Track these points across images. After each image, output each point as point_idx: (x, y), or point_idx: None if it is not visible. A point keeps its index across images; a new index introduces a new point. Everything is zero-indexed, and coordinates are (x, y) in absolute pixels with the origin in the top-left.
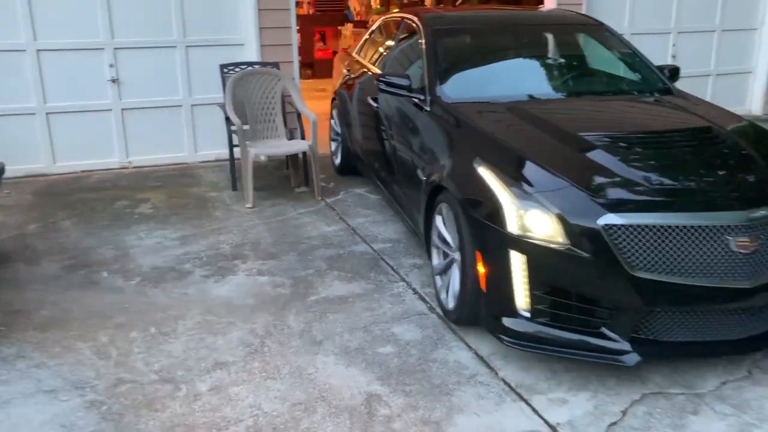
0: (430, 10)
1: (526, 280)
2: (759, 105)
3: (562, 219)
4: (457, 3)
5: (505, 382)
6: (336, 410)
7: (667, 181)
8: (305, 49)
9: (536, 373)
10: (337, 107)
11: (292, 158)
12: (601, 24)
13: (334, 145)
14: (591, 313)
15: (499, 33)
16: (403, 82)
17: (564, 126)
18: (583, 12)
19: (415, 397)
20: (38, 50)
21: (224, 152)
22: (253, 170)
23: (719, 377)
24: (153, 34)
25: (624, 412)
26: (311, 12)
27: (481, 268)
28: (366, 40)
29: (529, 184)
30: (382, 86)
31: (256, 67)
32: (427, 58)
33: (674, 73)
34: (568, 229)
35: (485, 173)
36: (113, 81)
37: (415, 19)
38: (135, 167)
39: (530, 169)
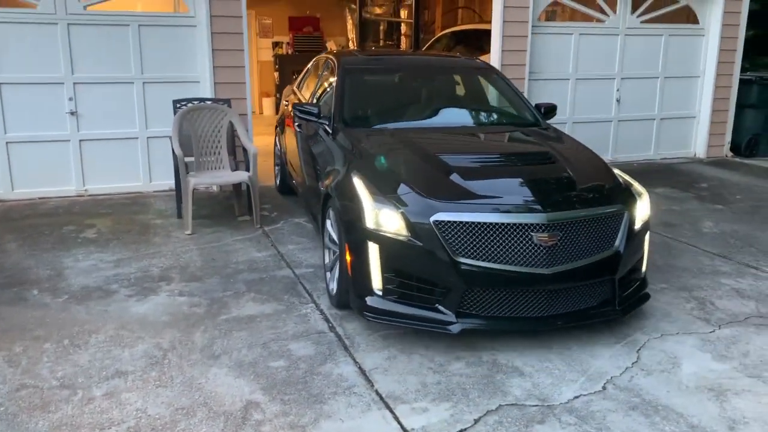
0: (351, 52)
1: (379, 265)
2: (703, 149)
3: (405, 217)
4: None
5: (378, 393)
6: (214, 415)
7: (492, 189)
8: (283, 87)
9: (408, 386)
10: (278, 134)
11: (235, 188)
12: (492, 68)
13: (276, 169)
14: (428, 292)
15: (402, 72)
16: (313, 110)
17: (428, 149)
18: (527, 57)
19: (290, 405)
20: (0, 83)
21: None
22: (204, 199)
23: (575, 391)
24: (112, 70)
25: (476, 420)
26: (290, 52)
27: (348, 257)
28: (303, 75)
29: (386, 190)
30: (297, 113)
31: (207, 102)
32: (335, 91)
33: (550, 110)
34: (410, 224)
35: (357, 183)
36: (72, 113)
37: (334, 58)
38: (90, 195)
39: (389, 179)
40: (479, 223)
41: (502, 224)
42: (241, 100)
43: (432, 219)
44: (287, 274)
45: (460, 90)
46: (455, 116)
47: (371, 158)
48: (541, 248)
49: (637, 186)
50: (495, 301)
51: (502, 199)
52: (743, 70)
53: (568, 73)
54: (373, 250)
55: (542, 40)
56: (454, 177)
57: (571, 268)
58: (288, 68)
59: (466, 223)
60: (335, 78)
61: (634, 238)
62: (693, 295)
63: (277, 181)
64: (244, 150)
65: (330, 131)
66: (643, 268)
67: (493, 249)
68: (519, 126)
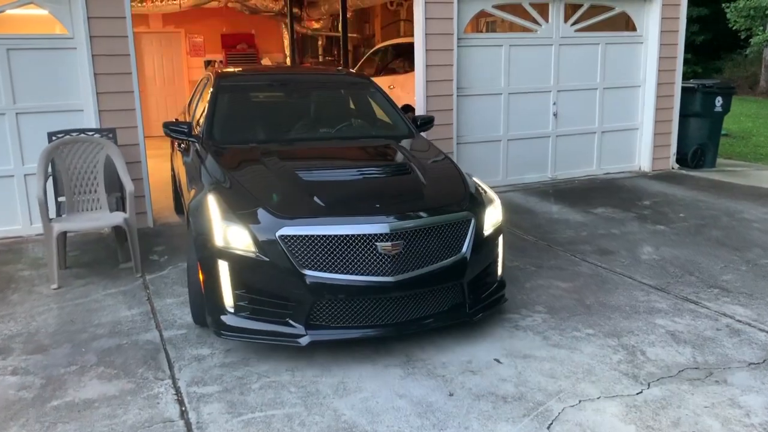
0: (229, 71)
1: (230, 282)
2: (647, 162)
3: (253, 233)
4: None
5: None
6: None
7: (340, 202)
8: None
9: None
10: (172, 155)
11: (117, 231)
12: (368, 82)
13: (172, 186)
14: (279, 306)
15: (277, 89)
16: (183, 128)
17: (288, 164)
18: (454, 72)
19: None
20: None
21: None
22: (92, 242)
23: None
24: None
25: None
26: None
27: (201, 276)
28: (193, 94)
29: (238, 207)
30: (166, 131)
31: (83, 134)
32: (207, 108)
33: (427, 121)
34: (258, 240)
35: (210, 201)
36: None
37: (213, 76)
38: None
39: (243, 197)
40: (324, 235)
41: (346, 236)
42: (130, 129)
43: (278, 234)
44: (153, 338)
45: (335, 104)
46: (325, 131)
47: (230, 175)
48: (386, 257)
49: (489, 194)
50: (343, 311)
51: (348, 211)
52: (695, 75)
53: (500, 88)
54: (223, 267)
55: (470, 54)
56: (306, 191)
57: (416, 275)
58: None
59: (311, 236)
60: (209, 95)
61: (483, 243)
62: (622, 343)
63: (174, 204)
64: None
65: (198, 149)
66: (499, 272)
67: (338, 260)
68: (389, 138)
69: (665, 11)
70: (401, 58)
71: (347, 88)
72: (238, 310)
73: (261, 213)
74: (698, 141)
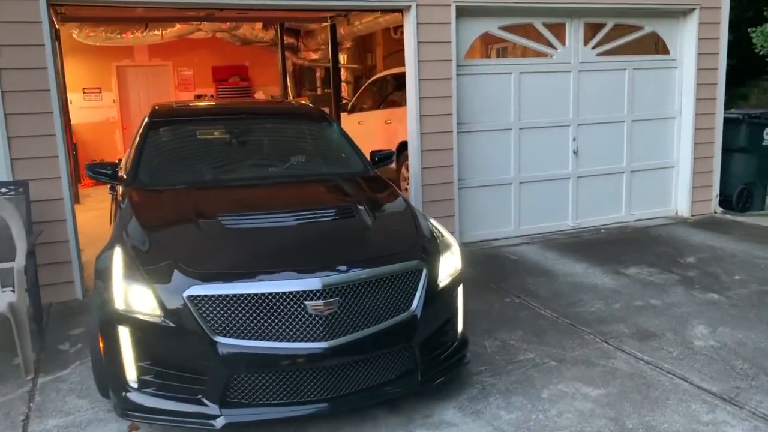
0: (168, 104)
1: (132, 352)
2: (686, 205)
3: (157, 293)
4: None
5: None
6: None
7: (266, 254)
8: None
9: None
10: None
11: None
12: (322, 115)
13: None
14: (190, 381)
15: (218, 124)
16: (107, 170)
17: (214, 210)
18: (454, 105)
19: None
20: None
21: None
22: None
23: None
24: None
25: None
26: None
27: (101, 343)
28: (136, 131)
29: (144, 262)
30: (89, 173)
31: None
32: (135, 146)
33: (385, 157)
34: (163, 302)
35: (115, 255)
36: None
37: (148, 111)
38: None
39: (153, 250)
40: (241, 295)
41: (269, 294)
42: (50, 181)
43: (185, 294)
44: None
45: (282, 141)
46: (267, 170)
47: (145, 225)
48: (318, 319)
49: (447, 238)
50: (267, 385)
51: (273, 265)
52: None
53: (509, 122)
54: (124, 335)
55: (473, 83)
56: (228, 242)
57: (355, 338)
58: None
59: (226, 296)
60: (140, 132)
61: (438, 296)
62: None
63: None
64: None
65: (122, 193)
66: (459, 328)
67: (259, 324)
68: (341, 177)
69: (703, 31)
70: (402, 90)
71: (298, 122)
72: (143, 385)
73: (169, 269)
74: (744, 180)
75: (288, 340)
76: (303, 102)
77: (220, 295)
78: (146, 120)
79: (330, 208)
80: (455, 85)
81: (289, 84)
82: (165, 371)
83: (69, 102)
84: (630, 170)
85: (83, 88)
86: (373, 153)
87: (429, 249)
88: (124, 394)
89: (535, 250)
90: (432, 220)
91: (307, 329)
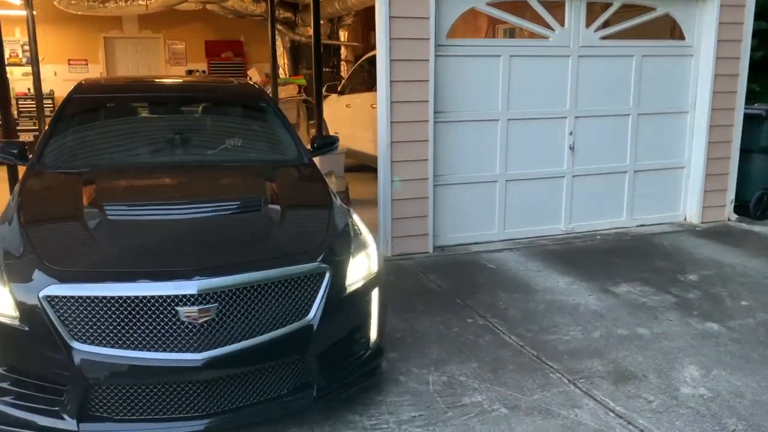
0: (94, 80)
1: None
2: (696, 211)
3: (13, 292)
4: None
5: None
6: None
7: (141, 251)
8: None
9: None
10: None
11: None
12: (259, 94)
13: None
14: (49, 391)
15: (141, 103)
16: (14, 149)
17: (99, 196)
18: (430, 90)
19: None
20: None
21: None
22: None
23: None
24: None
25: None
26: None
27: None
28: None
29: (7, 256)
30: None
31: None
32: (48, 125)
33: (327, 143)
34: (19, 302)
35: None
36: None
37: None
38: None
39: (19, 240)
40: (105, 297)
41: (136, 298)
42: None
43: (41, 294)
44: None
45: (209, 123)
46: (183, 155)
47: (22, 213)
48: (191, 327)
49: (364, 236)
50: (134, 399)
51: (145, 264)
52: (752, 93)
53: (497, 112)
54: None
55: (454, 66)
56: (104, 235)
57: (235, 350)
58: None
59: (87, 298)
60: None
61: (345, 303)
62: None
63: None
64: None
65: (30, 172)
66: (372, 337)
67: (124, 331)
68: (269, 164)
69: (724, 14)
70: None
71: (232, 103)
72: (1, 393)
73: (30, 266)
74: (764, 184)
75: (157, 350)
76: (244, 81)
77: (79, 297)
78: (66, 96)
79: (235, 200)
80: (433, 67)
81: (285, 62)
82: (21, 379)
83: (40, 74)
84: (634, 170)
85: (68, 60)
86: (314, 138)
87: (337, 249)
88: None
89: (517, 258)
90: (355, 216)
91: (179, 339)
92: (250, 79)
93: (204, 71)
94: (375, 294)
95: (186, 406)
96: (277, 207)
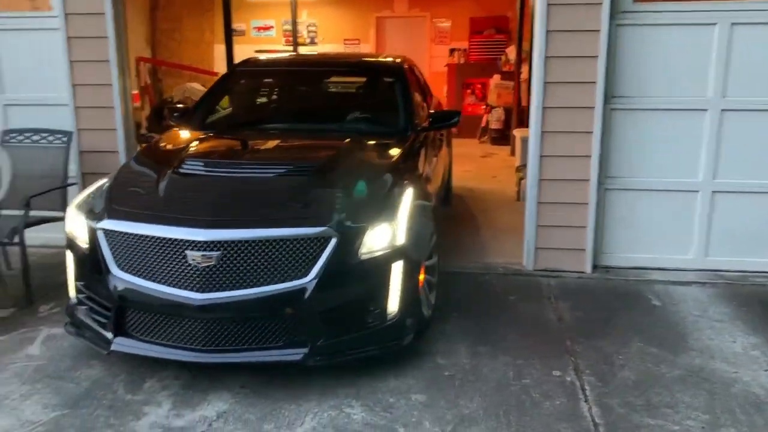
0: (254, 58)
1: (73, 273)
2: None
3: (88, 224)
4: None
5: None
6: None
7: (184, 201)
8: (453, 105)
9: None
10: None
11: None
12: (397, 69)
13: None
14: (102, 306)
15: (291, 78)
16: (176, 112)
17: (195, 153)
18: (599, 69)
19: None
20: None
21: None
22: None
23: None
24: None
25: None
26: (462, 61)
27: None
28: None
29: (97, 193)
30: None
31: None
32: (207, 93)
33: (443, 117)
34: (89, 232)
35: (94, 186)
36: None
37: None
38: None
39: (121, 186)
40: (137, 235)
41: (157, 238)
42: (105, 133)
43: (98, 225)
44: None
45: (342, 95)
46: (294, 122)
47: (138, 160)
48: (195, 269)
49: (398, 212)
50: (151, 323)
51: (175, 212)
52: None
53: (704, 100)
54: (69, 257)
55: (643, 38)
56: (164, 185)
57: (231, 296)
58: (460, 81)
59: (126, 234)
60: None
61: (351, 270)
62: None
63: None
64: None
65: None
66: (390, 309)
67: (147, 265)
68: (373, 135)
69: None
70: None
71: (366, 77)
72: (79, 303)
73: (102, 203)
74: None
75: (166, 284)
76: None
77: (120, 232)
78: (229, 69)
79: (290, 164)
80: (605, 40)
81: None
82: (87, 293)
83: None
84: None
85: (344, 40)
86: (431, 113)
87: (354, 218)
88: (68, 305)
89: (702, 298)
90: (408, 194)
91: (184, 278)
92: (507, 57)
93: (465, 50)
94: (398, 267)
95: (190, 338)
96: (327, 174)
